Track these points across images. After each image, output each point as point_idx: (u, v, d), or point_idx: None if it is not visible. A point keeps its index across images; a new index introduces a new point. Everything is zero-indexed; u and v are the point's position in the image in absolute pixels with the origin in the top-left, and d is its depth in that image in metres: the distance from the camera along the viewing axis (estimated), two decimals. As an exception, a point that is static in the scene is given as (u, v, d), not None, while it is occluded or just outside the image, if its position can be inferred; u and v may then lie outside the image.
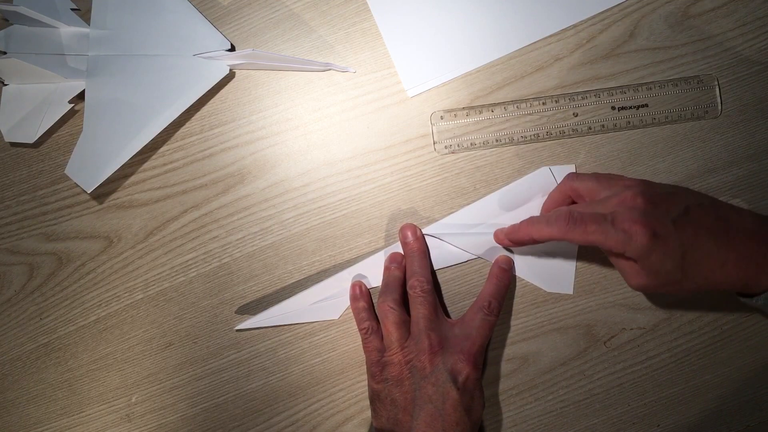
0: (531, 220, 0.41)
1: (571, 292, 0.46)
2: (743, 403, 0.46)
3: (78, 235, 0.48)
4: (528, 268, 0.46)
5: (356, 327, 0.46)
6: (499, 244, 0.45)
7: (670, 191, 0.39)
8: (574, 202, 0.43)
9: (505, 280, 0.45)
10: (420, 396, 0.41)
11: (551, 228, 0.39)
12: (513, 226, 0.43)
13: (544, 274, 0.46)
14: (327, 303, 0.47)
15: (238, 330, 0.47)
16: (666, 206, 0.38)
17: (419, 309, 0.43)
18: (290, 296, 0.47)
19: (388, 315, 0.43)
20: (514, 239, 0.43)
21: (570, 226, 0.38)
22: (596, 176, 0.41)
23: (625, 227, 0.37)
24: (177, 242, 0.47)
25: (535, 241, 0.42)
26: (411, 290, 0.44)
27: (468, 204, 0.47)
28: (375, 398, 0.44)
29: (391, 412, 0.42)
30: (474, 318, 0.44)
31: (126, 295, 0.48)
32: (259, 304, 0.47)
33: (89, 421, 0.48)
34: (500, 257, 0.46)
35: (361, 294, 0.46)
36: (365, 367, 0.46)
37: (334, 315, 0.47)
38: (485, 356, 0.46)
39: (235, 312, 0.47)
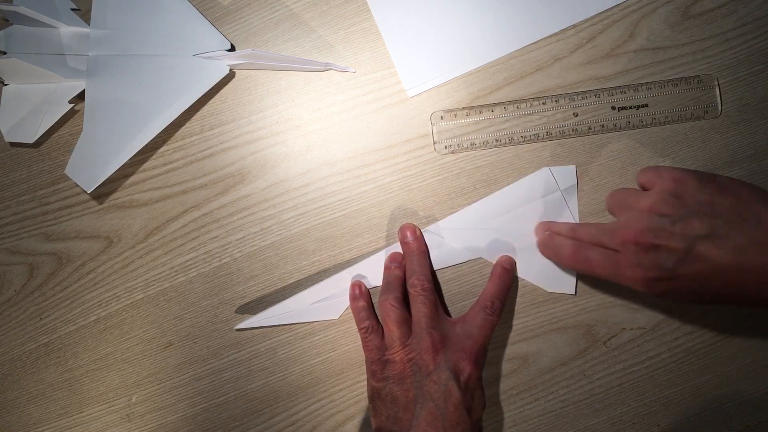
0: (546, 244, 0.44)
1: (572, 292, 0.46)
2: (743, 403, 0.46)
3: (78, 235, 0.48)
4: (529, 268, 0.46)
5: (356, 327, 0.46)
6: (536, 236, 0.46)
7: (681, 218, 0.37)
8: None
9: (507, 280, 0.45)
10: (422, 394, 0.41)
11: (560, 260, 0.44)
12: (540, 238, 0.45)
13: (546, 275, 0.46)
14: (327, 303, 0.47)
15: (237, 329, 0.47)
16: (669, 245, 0.37)
17: (420, 308, 0.43)
18: (290, 296, 0.47)
19: (390, 313, 0.43)
20: (540, 250, 0.46)
21: (575, 263, 0.42)
22: (627, 190, 0.43)
23: (626, 274, 0.38)
24: (177, 242, 0.47)
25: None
26: (411, 289, 0.44)
27: (468, 204, 0.47)
28: (375, 396, 0.44)
29: (391, 409, 0.42)
30: (476, 317, 0.44)
31: (126, 295, 0.48)
32: (259, 304, 0.47)
33: (89, 421, 0.48)
34: (502, 257, 0.46)
35: (361, 294, 0.46)
36: (365, 366, 0.46)
37: (334, 315, 0.47)
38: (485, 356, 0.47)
39: (235, 312, 0.47)
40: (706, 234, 0.36)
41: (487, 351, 0.46)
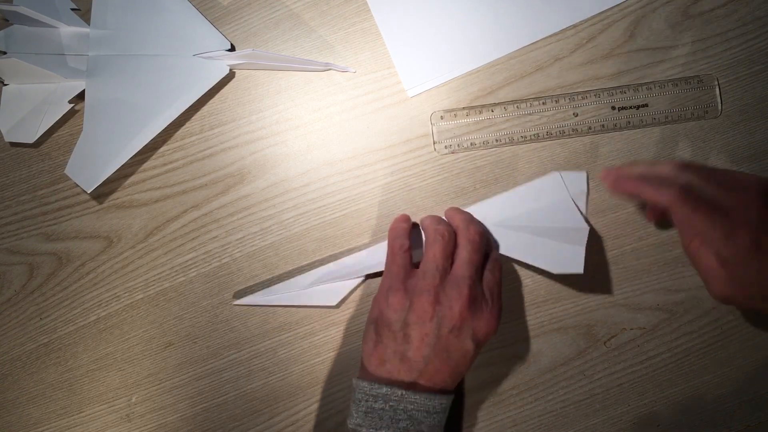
0: (642, 176, 0.39)
1: (581, 271, 0.43)
2: (743, 403, 0.46)
3: (78, 235, 0.48)
4: (534, 250, 0.44)
5: (355, 327, 0.46)
6: (604, 180, 0.42)
7: None
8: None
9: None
10: (438, 343, 0.40)
11: (660, 194, 0.38)
12: (623, 171, 0.41)
13: (552, 254, 0.44)
14: (327, 287, 0.46)
15: (236, 305, 0.47)
16: None
17: (469, 255, 0.41)
18: (290, 277, 0.47)
19: (439, 237, 0.41)
20: (618, 186, 0.41)
21: (681, 201, 0.37)
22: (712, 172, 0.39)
23: (733, 226, 0.36)
24: (177, 242, 0.47)
25: (636, 198, 0.40)
26: (466, 232, 0.42)
27: (468, 204, 0.47)
28: (384, 326, 0.41)
29: (401, 346, 0.40)
30: (485, 271, 0.42)
31: (126, 295, 0.48)
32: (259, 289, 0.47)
33: (89, 421, 0.48)
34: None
35: (405, 219, 0.44)
36: (381, 286, 0.43)
37: (333, 301, 0.46)
38: (485, 357, 0.46)
39: (233, 296, 0.47)
40: None
41: (486, 351, 0.46)
